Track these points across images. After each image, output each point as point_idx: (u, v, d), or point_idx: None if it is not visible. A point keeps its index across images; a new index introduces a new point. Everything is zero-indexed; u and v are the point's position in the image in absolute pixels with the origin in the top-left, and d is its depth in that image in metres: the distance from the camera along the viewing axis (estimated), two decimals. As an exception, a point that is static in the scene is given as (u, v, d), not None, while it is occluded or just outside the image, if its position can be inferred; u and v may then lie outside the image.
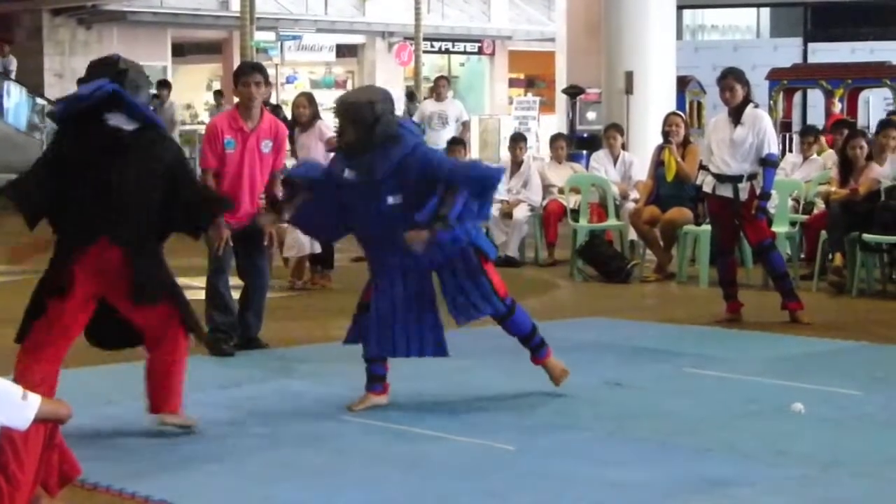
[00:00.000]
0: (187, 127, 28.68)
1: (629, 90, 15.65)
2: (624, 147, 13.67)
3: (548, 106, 32.67)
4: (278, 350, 8.50)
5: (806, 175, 12.68)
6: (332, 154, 11.31)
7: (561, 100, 22.60)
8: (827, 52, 26.00)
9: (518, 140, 14.10)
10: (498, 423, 6.45)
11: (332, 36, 36.64)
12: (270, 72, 10.29)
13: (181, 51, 34.83)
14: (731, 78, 9.51)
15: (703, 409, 6.79)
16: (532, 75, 41.68)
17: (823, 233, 11.28)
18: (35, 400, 4.56)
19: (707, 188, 9.76)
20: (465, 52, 40.41)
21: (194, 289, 9.13)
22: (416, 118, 15.90)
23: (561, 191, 13.39)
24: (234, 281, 8.59)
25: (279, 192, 8.82)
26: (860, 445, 6.05)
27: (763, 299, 10.17)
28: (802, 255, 12.07)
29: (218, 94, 28.93)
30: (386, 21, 36.54)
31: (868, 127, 20.07)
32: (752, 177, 9.47)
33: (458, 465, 5.71)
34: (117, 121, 6.01)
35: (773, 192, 10.03)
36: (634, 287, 11.80)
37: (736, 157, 9.49)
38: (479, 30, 39.52)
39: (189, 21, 33.33)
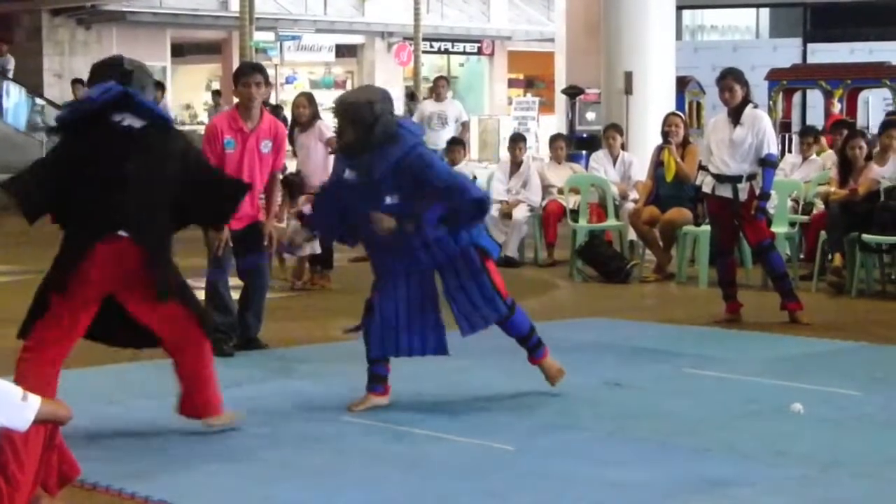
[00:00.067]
0: (186, 127, 28.71)
1: (628, 90, 15.65)
2: (623, 147, 13.68)
3: (547, 106, 32.69)
4: (278, 350, 8.50)
5: (805, 175, 12.68)
6: (332, 154, 11.47)
7: (560, 100, 22.60)
8: (826, 53, 25.98)
9: (517, 140, 14.10)
10: (498, 424, 6.46)
11: (332, 36, 36.68)
12: (270, 72, 10.30)
13: (180, 51, 34.86)
14: (730, 78, 9.52)
15: (703, 410, 6.80)
16: (531, 76, 41.72)
17: (823, 233, 11.28)
18: (35, 401, 4.57)
19: (706, 188, 9.76)
20: (464, 53, 40.45)
21: (194, 289, 9.11)
22: (415, 118, 15.88)
23: (560, 191, 13.39)
24: (234, 281, 8.59)
25: (278, 192, 8.85)
26: (860, 446, 6.05)
27: (762, 300, 10.18)
28: (802, 256, 12.08)
29: (216, 94, 28.96)
30: (385, 21, 36.57)
31: (867, 127, 20.09)
32: (751, 177, 9.48)
33: (458, 466, 5.71)
34: (126, 119, 6.02)
35: (773, 192, 10.03)
36: (634, 287, 11.80)
37: (735, 157, 9.49)
38: (478, 30, 39.55)
39: (188, 21, 33.36)
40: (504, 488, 5.34)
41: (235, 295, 8.56)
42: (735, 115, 9.50)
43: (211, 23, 33.90)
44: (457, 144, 14.32)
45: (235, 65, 19.92)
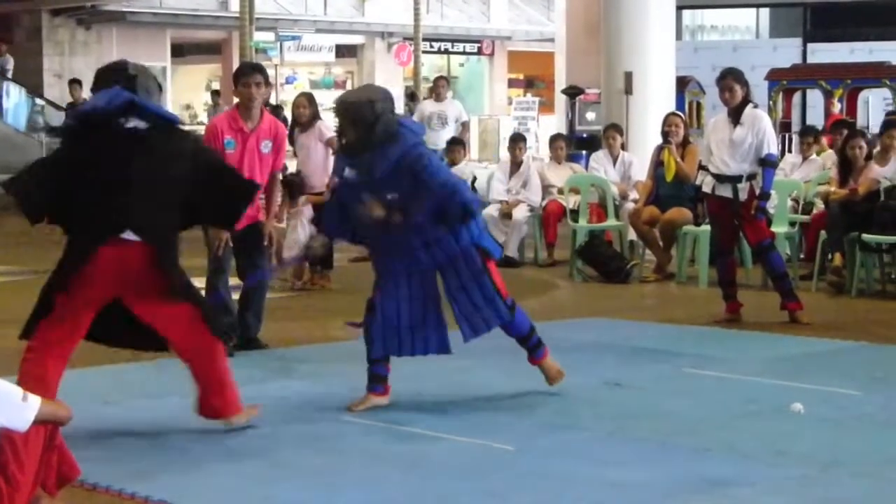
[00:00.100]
0: (186, 127, 28.69)
1: (628, 90, 15.65)
2: (623, 147, 13.68)
3: (547, 106, 32.69)
4: (278, 350, 8.50)
5: (805, 175, 12.69)
6: (332, 154, 11.47)
7: (560, 100, 22.60)
8: (826, 53, 25.99)
9: (517, 140, 14.10)
10: (498, 423, 6.46)
11: (332, 36, 36.69)
12: (270, 72, 10.30)
13: (180, 51, 34.88)
14: (730, 78, 9.52)
15: (703, 410, 6.80)
16: (531, 76, 41.73)
17: (823, 233, 11.29)
18: (35, 401, 4.57)
19: (706, 188, 9.76)
20: (464, 53, 40.46)
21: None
22: (415, 118, 15.88)
23: (560, 191, 13.40)
24: (234, 281, 8.59)
25: (278, 193, 8.84)
26: (860, 445, 6.05)
27: (762, 299, 10.18)
28: (802, 256, 12.08)
29: (215, 94, 28.97)
30: (385, 21, 36.58)
31: (867, 127, 20.09)
32: (751, 177, 9.48)
33: (457, 465, 5.71)
34: (130, 122, 6.03)
35: (773, 192, 10.03)
36: (634, 287, 11.80)
37: (735, 157, 9.49)
38: (478, 30, 39.56)
39: (188, 21, 33.37)
40: (504, 488, 5.34)
41: (235, 295, 8.56)
42: (735, 115, 9.50)
43: (211, 23, 33.91)
44: (457, 144, 14.33)
45: (235, 65, 19.92)
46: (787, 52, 26.04)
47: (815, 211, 12.05)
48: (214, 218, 6.72)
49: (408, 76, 35.78)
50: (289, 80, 37.15)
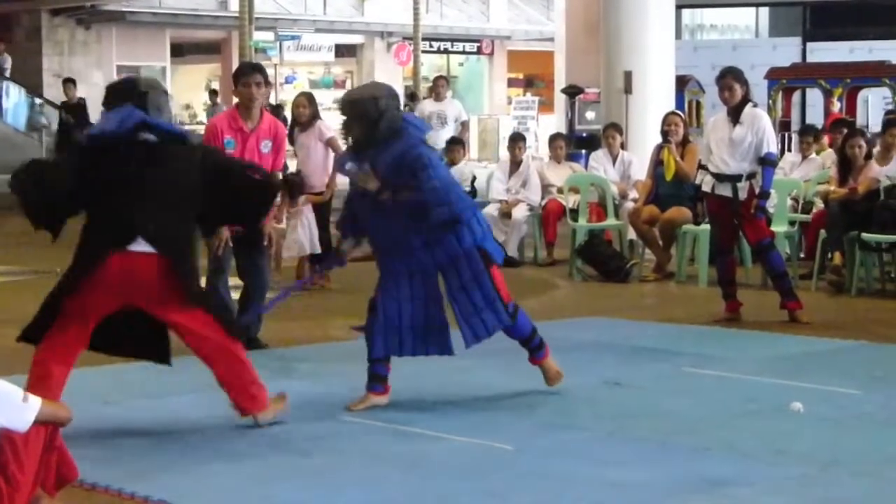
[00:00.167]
0: (186, 127, 28.71)
1: (628, 90, 15.66)
2: (623, 146, 13.68)
3: (547, 106, 32.70)
4: (278, 350, 8.50)
5: (805, 174, 12.69)
6: (332, 154, 11.48)
7: (560, 99, 22.61)
8: (826, 52, 26.00)
9: (517, 140, 14.10)
10: (497, 423, 6.46)
11: (331, 36, 36.70)
12: (269, 72, 10.30)
13: (180, 51, 34.89)
14: (729, 77, 9.52)
15: (703, 409, 6.80)
16: (531, 75, 41.73)
17: (822, 232, 11.29)
18: (35, 402, 4.57)
19: (706, 187, 9.76)
20: (463, 52, 40.47)
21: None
22: (415, 117, 15.87)
23: (560, 190, 13.40)
24: (234, 281, 8.59)
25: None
26: (859, 444, 6.06)
27: (762, 298, 10.18)
28: (801, 255, 12.08)
29: (213, 94, 28.98)
30: (385, 21, 36.58)
31: (867, 126, 20.09)
32: (751, 176, 9.48)
33: (457, 465, 5.71)
34: (142, 134, 6.05)
35: (772, 191, 10.03)
36: (633, 286, 11.80)
37: (735, 156, 9.49)
38: (477, 30, 39.56)
39: (188, 21, 33.38)
40: (504, 488, 5.34)
41: (235, 295, 8.56)
42: (734, 114, 9.50)
43: (210, 23, 33.91)
44: (456, 144, 14.33)
45: (235, 65, 19.93)
46: (787, 51, 26.06)
47: (814, 210, 12.05)
48: (232, 218, 6.73)
49: (407, 76, 35.78)
50: (288, 80, 37.16)
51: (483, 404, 6.90)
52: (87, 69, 31.11)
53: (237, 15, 25.74)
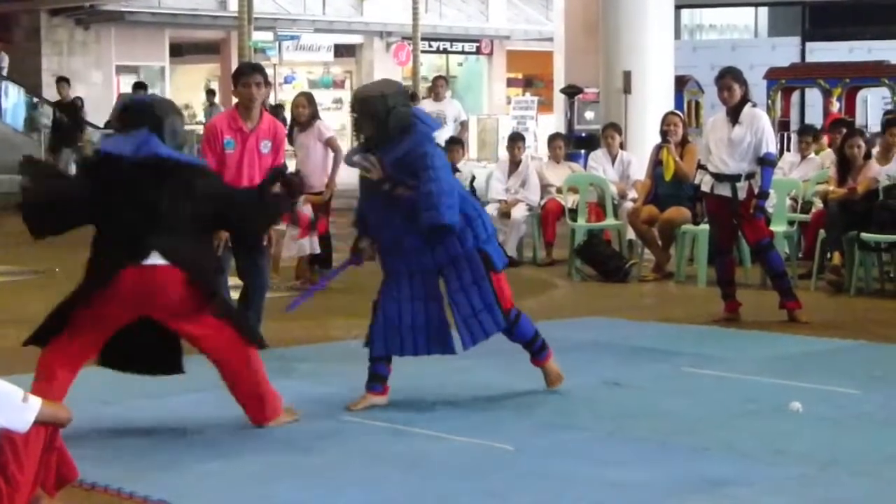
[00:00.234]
0: (186, 128, 28.69)
1: (627, 90, 15.67)
2: (622, 146, 13.68)
3: (546, 105, 32.73)
4: (278, 350, 8.48)
5: (804, 174, 12.70)
6: (331, 154, 11.49)
7: (559, 99, 22.64)
8: (825, 52, 26.01)
9: (516, 140, 14.11)
10: (497, 423, 6.46)
11: (330, 36, 36.68)
12: (268, 72, 10.30)
13: (179, 51, 34.86)
14: (729, 77, 9.52)
15: (702, 409, 6.80)
16: (530, 75, 41.73)
17: (822, 232, 11.29)
18: (35, 403, 4.58)
19: (705, 187, 9.77)
20: (463, 52, 40.44)
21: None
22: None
23: (559, 190, 13.40)
24: (234, 281, 8.59)
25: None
26: (859, 444, 6.06)
27: (761, 298, 10.18)
28: (801, 255, 12.09)
29: (210, 94, 28.98)
30: (384, 21, 36.56)
31: (866, 126, 20.11)
32: (750, 176, 9.48)
33: (457, 465, 5.72)
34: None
35: (772, 191, 10.03)
36: (633, 286, 11.80)
37: (734, 156, 9.49)
38: (477, 29, 39.54)
39: (187, 21, 33.36)
40: (504, 488, 5.35)
41: (235, 295, 8.55)
42: (734, 114, 9.51)
43: (209, 23, 33.89)
44: (455, 144, 14.33)
45: (234, 65, 19.93)
46: (786, 51, 26.08)
47: (813, 210, 12.05)
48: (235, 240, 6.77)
49: (406, 76, 35.74)
50: (287, 80, 37.14)
51: (483, 404, 6.91)
52: (87, 69, 31.11)
53: (236, 15, 25.69)
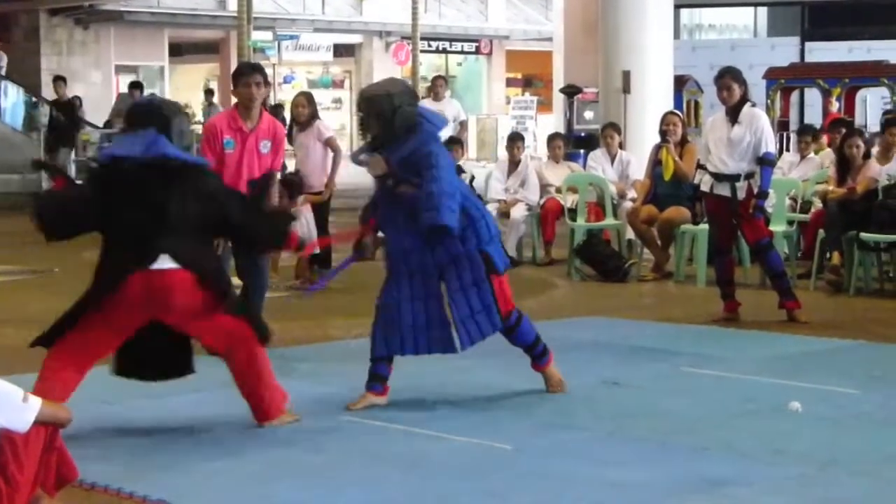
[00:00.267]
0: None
1: (626, 89, 15.66)
2: (621, 146, 13.68)
3: (545, 105, 32.76)
4: (277, 350, 8.46)
5: (803, 174, 12.70)
6: (330, 153, 11.50)
7: (558, 99, 22.64)
8: (824, 52, 26.03)
9: (515, 139, 14.11)
10: (497, 423, 6.47)
11: (330, 35, 36.69)
12: (268, 72, 10.30)
13: (178, 50, 34.86)
14: (728, 77, 9.53)
15: (701, 409, 6.80)
16: (529, 75, 41.74)
17: (821, 231, 11.30)
18: (36, 403, 4.58)
19: (705, 187, 9.77)
20: (462, 52, 40.44)
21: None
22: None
23: (558, 190, 13.41)
24: (234, 281, 8.58)
25: (275, 192, 8.84)
26: (858, 444, 6.06)
27: (760, 298, 10.18)
28: (800, 254, 12.09)
29: (208, 94, 28.98)
30: (383, 21, 36.56)
31: (865, 126, 20.12)
32: (749, 176, 9.48)
33: (457, 465, 5.72)
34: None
35: (771, 190, 10.04)
36: (632, 286, 11.81)
37: (733, 156, 9.50)
38: (476, 29, 39.54)
39: (186, 21, 33.36)
40: (504, 488, 5.35)
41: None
42: (733, 114, 9.51)
43: (209, 22, 33.89)
44: (455, 144, 14.30)
45: (233, 64, 19.92)
46: (785, 51, 26.10)
47: (813, 210, 12.06)
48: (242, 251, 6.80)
49: (406, 75, 35.72)
50: (287, 80, 37.15)
51: (483, 404, 6.91)
52: (86, 69, 31.11)
53: (235, 14, 25.69)
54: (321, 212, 11.41)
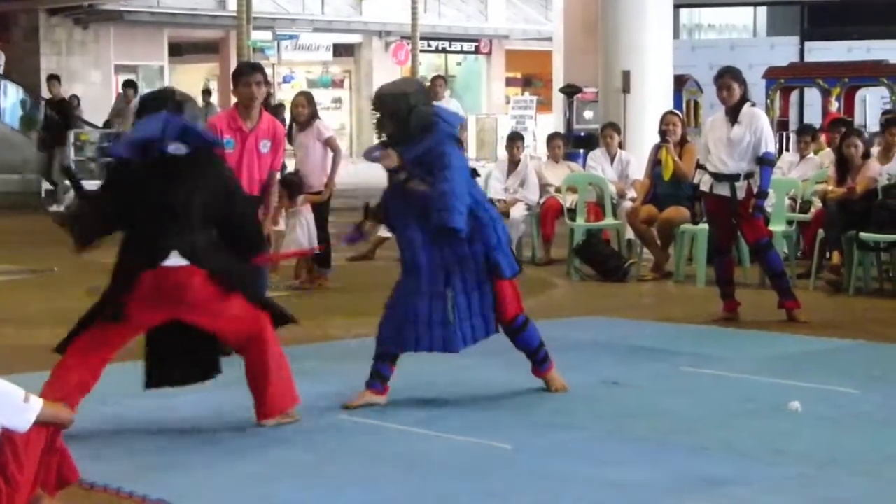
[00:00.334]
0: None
1: (626, 89, 15.66)
2: (621, 146, 13.69)
3: (545, 105, 32.76)
4: (277, 350, 8.49)
5: (803, 174, 12.70)
6: (330, 153, 11.51)
7: (558, 99, 22.65)
8: (824, 51, 26.05)
9: (515, 139, 14.11)
10: (497, 423, 6.47)
11: (329, 35, 36.68)
12: (267, 71, 10.30)
13: (178, 50, 34.85)
14: (727, 77, 9.53)
15: (701, 408, 6.81)
16: (529, 74, 41.73)
17: (821, 231, 11.30)
18: (37, 403, 4.58)
19: (704, 187, 9.77)
20: (462, 52, 40.44)
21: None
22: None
23: (558, 190, 13.41)
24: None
25: (275, 192, 8.84)
26: (857, 444, 6.07)
27: (760, 298, 10.19)
28: (800, 254, 12.09)
29: (206, 94, 28.99)
30: (383, 20, 36.56)
31: (865, 125, 20.13)
32: (749, 175, 9.49)
33: (457, 465, 5.72)
34: (174, 148, 6.07)
35: (771, 190, 10.04)
36: (631, 286, 11.81)
37: (733, 155, 9.50)
38: (476, 29, 39.54)
39: (186, 21, 33.36)
40: (504, 488, 5.35)
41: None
42: (733, 114, 9.51)
43: (208, 22, 33.89)
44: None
45: (233, 64, 19.92)
46: (785, 51, 26.12)
47: (812, 209, 12.06)
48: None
49: (405, 75, 35.77)
50: (286, 80, 37.14)
51: (483, 404, 6.91)
52: (85, 69, 31.11)
53: (235, 14, 25.70)
54: (321, 212, 11.41)
